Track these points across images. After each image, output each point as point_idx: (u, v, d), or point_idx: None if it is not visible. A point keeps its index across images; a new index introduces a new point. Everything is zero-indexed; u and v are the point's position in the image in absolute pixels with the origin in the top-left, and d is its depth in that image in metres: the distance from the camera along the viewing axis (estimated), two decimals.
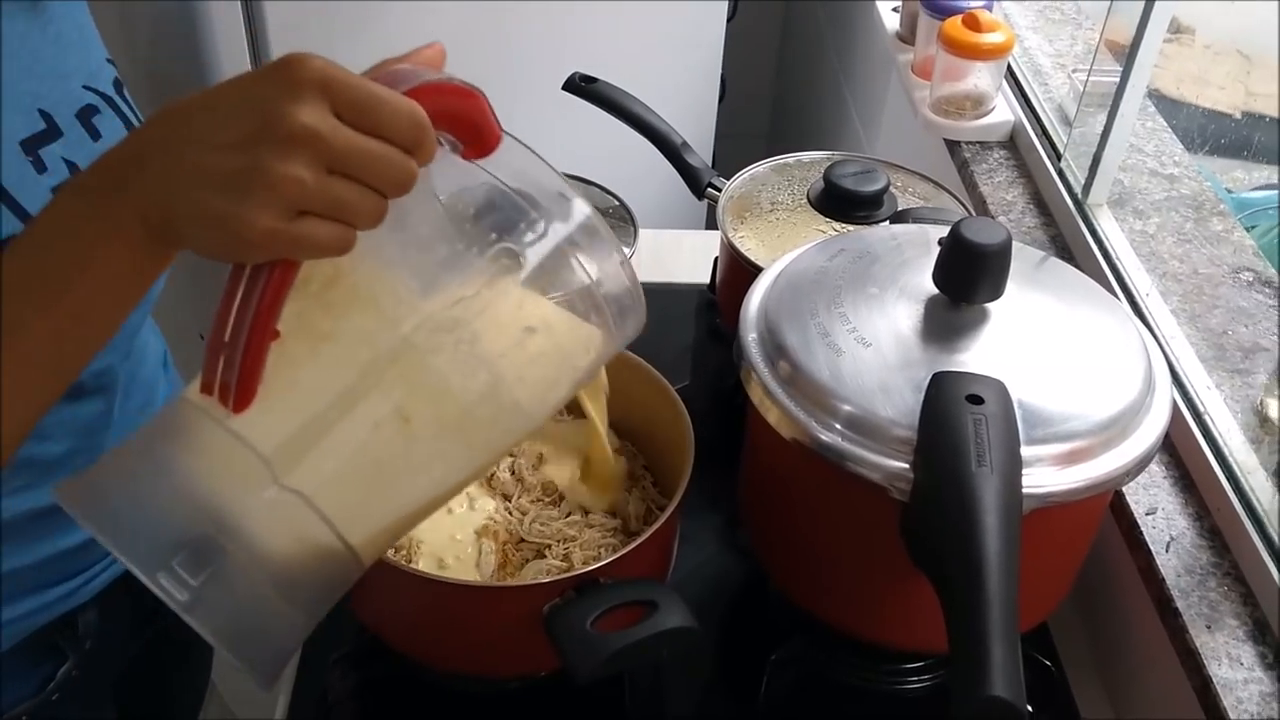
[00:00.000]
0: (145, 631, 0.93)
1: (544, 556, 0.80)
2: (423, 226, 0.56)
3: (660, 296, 1.22)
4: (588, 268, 0.57)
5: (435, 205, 0.56)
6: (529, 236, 0.55)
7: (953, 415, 0.66)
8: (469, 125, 0.53)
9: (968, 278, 0.73)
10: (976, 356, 0.72)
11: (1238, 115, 1.44)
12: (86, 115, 0.73)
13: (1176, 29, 1.46)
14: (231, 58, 1.24)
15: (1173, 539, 0.81)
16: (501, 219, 0.55)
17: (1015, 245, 0.73)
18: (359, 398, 0.53)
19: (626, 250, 1.04)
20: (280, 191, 0.48)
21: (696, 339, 1.22)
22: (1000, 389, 0.68)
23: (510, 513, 0.82)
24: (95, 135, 0.73)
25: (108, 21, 1.36)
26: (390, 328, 0.53)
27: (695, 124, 1.68)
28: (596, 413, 0.80)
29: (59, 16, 0.72)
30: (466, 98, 0.53)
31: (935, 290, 0.75)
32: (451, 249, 0.55)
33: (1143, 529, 0.82)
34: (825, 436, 0.70)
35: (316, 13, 1.28)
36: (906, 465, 0.68)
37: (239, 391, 0.50)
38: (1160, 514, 0.83)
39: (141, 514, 0.51)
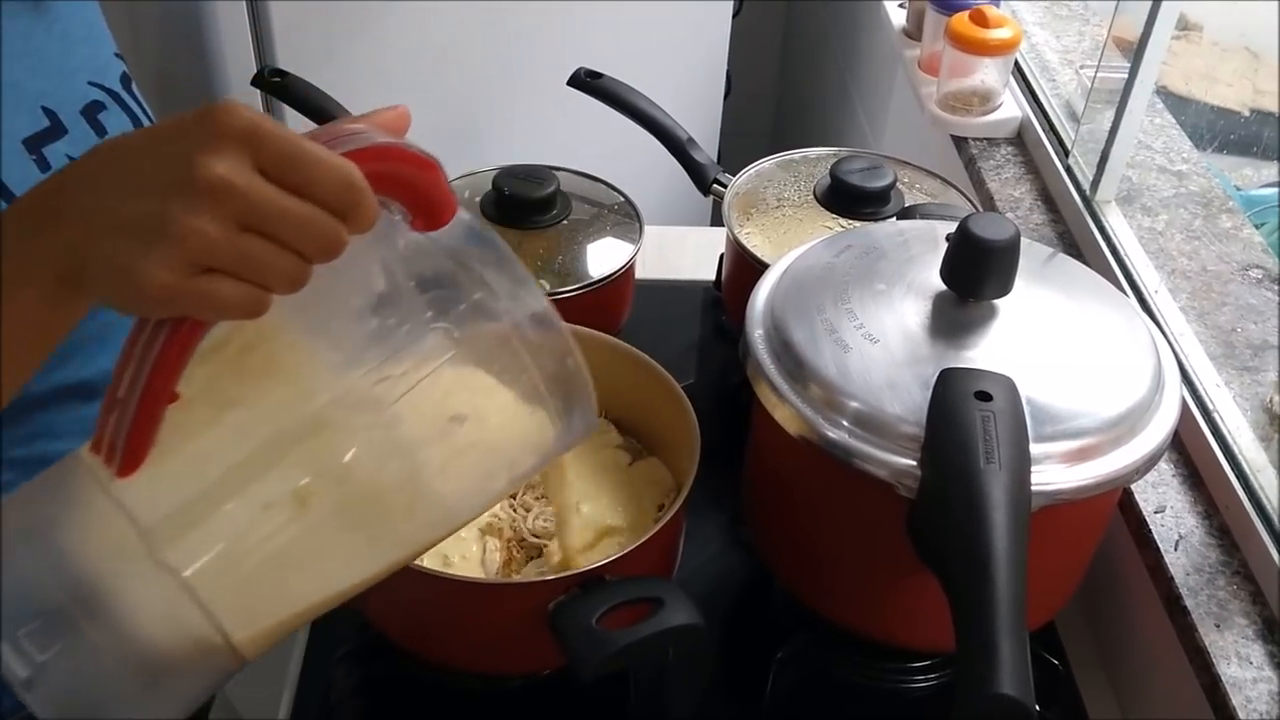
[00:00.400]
0: None
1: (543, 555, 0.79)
2: (355, 296, 0.52)
3: (665, 294, 1.21)
4: (535, 360, 0.52)
5: (373, 275, 0.52)
6: (472, 319, 0.51)
7: (961, 412, 0.66)
8: (419, 195, 0.49)
9: (976, 274, 0.73)
10: (985, 353, 0.71)
11: (1246, 113, 1.43)
12: (92, 112, 0.73)
13: (1184, 26, 1.45)
14: (236, 58, 1.24)
15: (1181, 537, 0.81)
16: (444, 297, 0.51)
17: (1023, 241, 0.73)
18: (255, 475, 0.48)
19: (631, 248, 1.04)
20: (183, 245, 0.45)
21: (701, 336, 1.21)
22: (1009, 386, 0.68)
23: (515, 509, 0.82)
24: (101, 132, 0.73)
25: (117, 22, 1.37)
26: (302, 401, 0.49)
27: (700, 121, 1.68)
28: (555, 500, 0.75)
29: (66, 14, 0.72)
30: (417, 165, 0.49)
31: (943, 286, 0.75)
32: (382, 323, 0.51)
33: (1151, 527, 0.81)
34: (832, 433, 0.70)
35: (320, 12, 1.28)
36: (914, 462, 0.67)
37: (125, 454, 0.46)
38: (1169, 512, 0.83)
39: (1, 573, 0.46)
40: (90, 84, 0.73)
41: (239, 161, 0.45)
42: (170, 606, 0.46)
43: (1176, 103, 1.30)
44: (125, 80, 0.77)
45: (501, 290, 0.51)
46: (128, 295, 0.46)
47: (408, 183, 0.49)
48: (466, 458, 0.53)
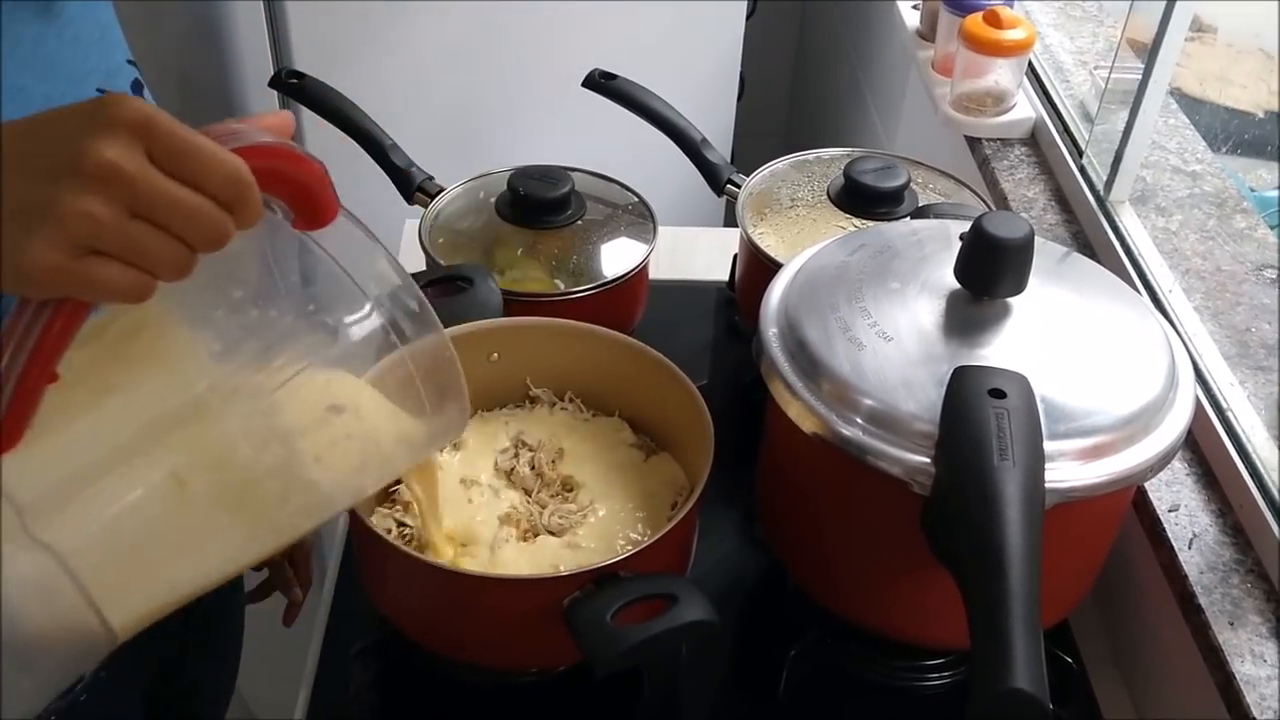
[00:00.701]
0: (175, 632, 0.93)
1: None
2: (238, 289, 0.53)
3: (677, 294, 1.22)
4: (412, 355, 0.54)
5: (256, 269, 0.53)
6: (350, 315, 0.53)
7: (975, 409, 0.66)
8: (303, 194, 0.51)
9: (990, 272, 0.73)
10: (998, 351, 0.72)
11: (1260, 114, 1.43)
12: None
13: (1198, 27, 1.45)
14: (254, 60, 1.25)
15: (1195, 536, 0.81)
16: (324, 293, 0.53)
17: (1037, 240, 0.73)
18: (134, 456, 0.49)
19: (645, 248, 1.05)
20: (69, 226, 0.45)
21: (714, 336, 1.22)
22: (1023, 383, 0.68)
23: (530, 504, 0.82)
24: None
25: (135, 24, 1.38)
26: (181, 388, 0.50)
27: (714, 122, 1.68)
28: (425, 495, 0.75)
29: (78, 17, 0.72)
30: (301, 164, 0.51)
31: (957, 285, 0.75)
32: (264, 314, 0.53)
33: (1165, 526, 0.81)
34: (846, 431, 0.70)
35: (337, 13, 1.29)
36: (928, 460, 0.68)
37: (3, 431, 0.46)
38: (1183, 511, 0.83)
39: None
40: (100, 90, 0.73)
41: (130, 149, 0.46)
42: (46, 584, 0.46)
43: (1190, 104, 1.30)
44: (136, 87, 0.77)
45: (378, 287, 0.53)
46: (11, 276, 0.46)
47: (293, 181, 0.51)
48: (342, 448, 0.55)
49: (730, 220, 1.59)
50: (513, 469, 0.85)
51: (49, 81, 0.69)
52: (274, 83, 1.14)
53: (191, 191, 0.47)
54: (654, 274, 1.08)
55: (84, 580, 0.47)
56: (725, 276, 1.21)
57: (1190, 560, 0.79)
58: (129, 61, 0.78)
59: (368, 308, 0.53)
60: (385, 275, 0.54)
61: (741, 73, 1.75)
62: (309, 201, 0.51)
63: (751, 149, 1.64)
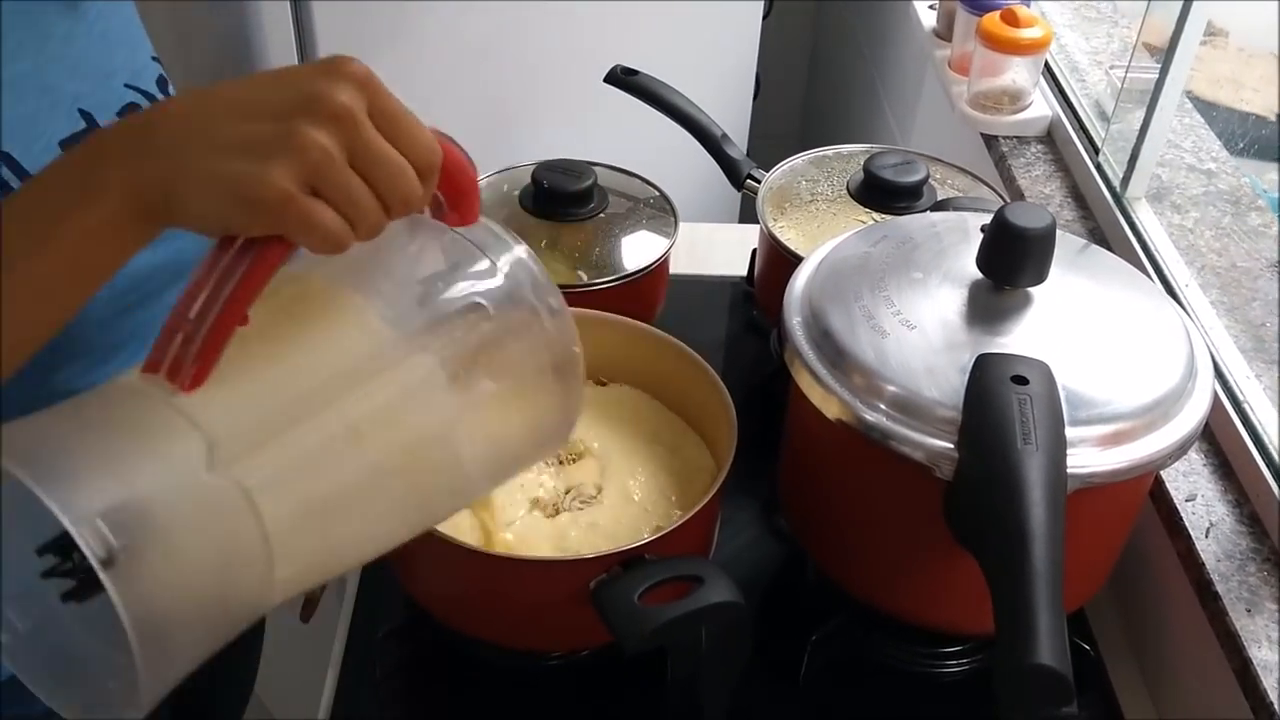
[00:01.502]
0: None
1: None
2: (402, 265, 0.56)
3: (696, 288, 1.23)
4: (547, 344, 0.57)
5: (413, 248, 0.56)
6: (503, 299, 0.56)
7: (998, 395, 0.67)
8: (461, 191, 0.55)
9: (1012, 261, 0.74)
10: (1020, 339, 0.73)
11: (1272, 118, 1.44)
12: (128, 114, 0.74)
13: (1211, 31, 1.46)
14: (280, 60, 1.27)
15: (1212, 525, 0.82)
16: (479, 277, 0.56)
17: (1057, 232, 0.74)
18: (315, 406, 0.50)
19: (666, 241, 1.06)
20: (305, 156, 0.48)
21: (732, 330, 1.23)
22: (1044, 370, 0.69)
23: (558, 484, 0.84)
24: None
25: (162, 24, 1.39)
26: (357, 347, 0.52)
27: (729, 123, 1.68)
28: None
29: (106, 14, 0.73)
30: (464, 164, 0.54)
31: (978, 275, 0.76)
32: (427, 290, 0.55)
33: (1182, 515, 0.82)
34: (870, 417, 0.71)
35: (362, 12, 1.30)
36: (951, 445, 0.69)
37: (196, 368, 0.47)
38: (1200, 500, 0.84)
39: (78, 459, 0.46)
40: (127, 86, 0.74)
41: (359, 99, 0.49)
42: (228, 518, 0.47)
43: (1203, 108, 1.31)
44: (162, 83, 0.78)
45: (525, 280, 0.56)
46: (234, 205, 0.48)
47: (457, 177, 0.54)
48: (491, 429, 0.57)
49: (745, 216, 1.60)
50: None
51: (78, 79, 0.70)
52: None
53: (398, 153, 0.50)
54: (673, 268, 1.10)
55: (264, 520, 0.48)
56: (743, 271, 1.22)
57: (1207, 549, 0.80)
58: (153, 58, 0.79)
59: (517, 295, 0.56)
60: (525, 269, 0.57)
61: (757, 73, 1.76)
62: (464, 198, 0.55)
63: (766, 149, 1.66)
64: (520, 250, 0.57)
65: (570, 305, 0.91)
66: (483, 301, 0.55)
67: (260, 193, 0.47)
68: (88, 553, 0.43)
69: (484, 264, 0.56)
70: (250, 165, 0.48)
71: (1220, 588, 0.78)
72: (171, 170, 0.49)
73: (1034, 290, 0.76)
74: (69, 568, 0.49)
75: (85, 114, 0.70)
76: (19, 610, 0.50)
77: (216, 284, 0.48)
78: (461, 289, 0.55)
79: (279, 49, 1.28)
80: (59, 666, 0.50)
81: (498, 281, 0.56)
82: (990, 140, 1.26)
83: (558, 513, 0.82)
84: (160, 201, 0.49)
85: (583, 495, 0.83)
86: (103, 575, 0.43)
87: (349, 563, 0.56)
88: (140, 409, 0.48)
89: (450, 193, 0.55)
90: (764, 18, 1.73)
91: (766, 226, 1.04)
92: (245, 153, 0.48)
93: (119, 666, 0.47)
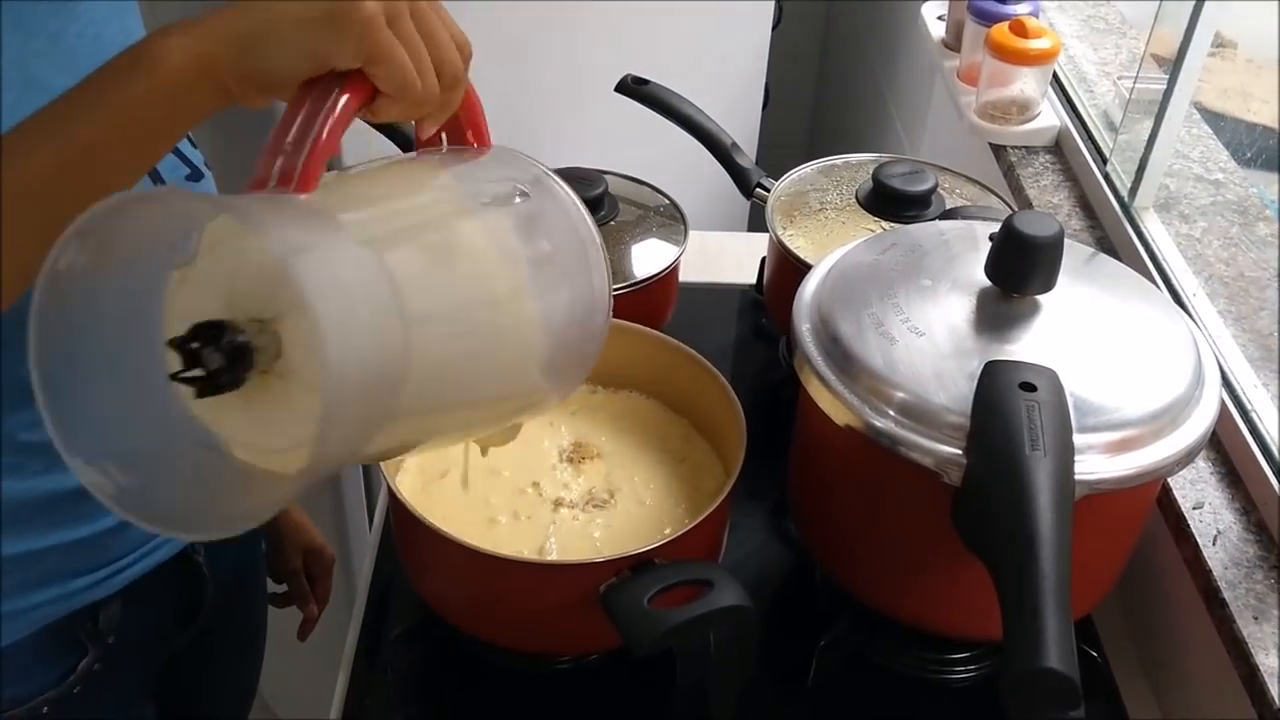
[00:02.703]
0: (186, 630, 0.94)
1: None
2: (451, 161, 0.64)
3: (705, 295, 1.24)
4: (577, 220, 0.65)
5: (450, 155, 0.64)
6: (533, 185, 0.64)
7: (1006, 402, 0.68)
8: (479, 117, 0.64)
9: (1020, 269, 0.75)
10: (1028, 346, 0.73)
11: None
12: None
13: (1219, 43, 1.46)
14: None
15: (1220, 532, 0.82)
16: (505, 174, 0.64)
17: (1065, 241, 0.75)
18: (418, 222, 0.57)
19: (676, 249, 1.06)
20: (361, 23, 0.53)
21: (740, 338, 1.23)
22: (1052, 377, 0.70)
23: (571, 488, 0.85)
24: None
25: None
26: (446, 191, 0.60)
27: (738, 132, 1.69)
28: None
29: (101, 19, 0.73)
30: (478, 99, 0.63)
31: (987, 282, 0.77)
32: (476, 174, 0.63)
33: (1190, 522, 0.83)
34: (879, 423, 0.72)
35: None
36: (959, 451, 0.69)
37: (304, 173, 0.52)
38: (1207, 508, 0.84)
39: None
40: None
41: None
42: (376, 289, 0.51)
43: (1211, 119, 1.31)
44: None
45: (547, 177, 0.65)
46: (328, 28, 0.53)
47: (473, 105, 0.63)
48: (547, 290, 0.63)
49: (754, 225, 1.61)
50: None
51: (67, 74, 0.69)
52: None
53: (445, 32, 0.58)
54: (682, 276, 1.10)
55: (400, 290, 0.52)
56: (752, 279, 1.23)
57: (1214, 556, 0.81)
58: None
59: (540, 182, 0.64)
60: (544, 171, 0.65)
61: (766, 82, 1.77)
62: (481, 125, 0.64)
63: (775, 158, 1.66)
64: (540, 165, 0.65)
65: None
66: (524, 188, 0.63)
67: (353, 13, 0.53)
68: (301, 283, 0.45)
69: (515, 167, 0.64)
70: (317, 31, 0.53)
71: (1227, 595, 0.78)
72: (256, 22, 0.54)
73: (1042, 298, 0.76)
74: (201, 365, 0.51)
75: None
76: (123, 468, 0.52)
77: (308, 114, 0.53)
78: (504, 177, 0.63)
79: None
80: (164, 517, 0.53)
81: (532, 179, 0.64)
82: (998, 150, 1.26)
83: (575, 518, 0.83)
84: (234, 58, 0.54)
85: (595, 499, 0.84)
86: (312, 302, 0.45)
87: (448, 404, 0.61)
88: (274, 200, 0.51)
89: (469, 117, 0.63)
90: (774, 27, 1.73)
91: (776, 235, 1.05)
92: (310, 21, 0.53)
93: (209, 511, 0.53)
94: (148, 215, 0.51)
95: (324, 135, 0.53)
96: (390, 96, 0.56)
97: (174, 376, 0.50)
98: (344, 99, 0.54)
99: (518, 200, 0.62)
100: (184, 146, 0.80)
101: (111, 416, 0.54)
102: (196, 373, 0.50)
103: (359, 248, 0.52)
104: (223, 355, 0.50)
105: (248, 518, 0.51)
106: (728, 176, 1.15)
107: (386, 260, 0.52)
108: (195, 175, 0.80)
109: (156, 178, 0.77)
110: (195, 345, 0.50)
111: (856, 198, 1.07)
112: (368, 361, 0.50)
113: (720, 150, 1.15)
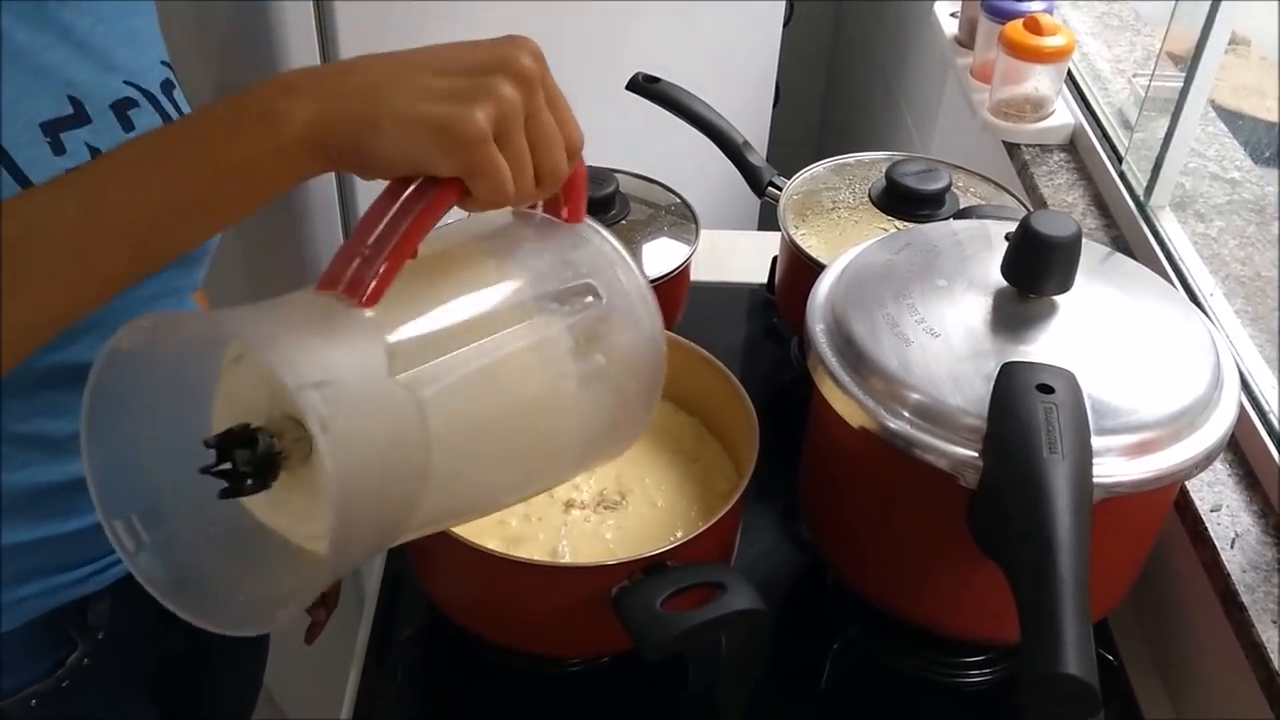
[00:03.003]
0: (174, 631, 0.92)
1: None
2: (528, 245, 0.62)
3: (716, 295, 1.23)
4: (647, 332, 0.63)
5: (533, 234, 0.63)
6: (606, 286, 0.61)
7: (1023, 403, 0.67)
8: (578, 191, 0.62)
9: (1037, 269, 0.74)
10: (1045, 348, 0.73)
11: None
12: (123, 108, 0.73)
13: (1234, 40, 1.45)
14: (302, 60, 1.27)
15: (1238, 535, 0.81)
16: (582, 264, 0.62)
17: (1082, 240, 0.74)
18: (469, 339, 0.56)
19: (688, 249, 1.06)
20: (502, 106, 0.54)
21: (751, 337, 1.23)
22: (1070, 379, 0.69)
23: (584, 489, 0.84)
24: (129, 126, 0.73)
25: (183, 23, 1.40)
26: (503, 297, 0.58)
27: (749, 130, 1.69)
28: None
29: (112, 16, 0.73)
30: (584, 170, 0.61)
31: (1003, 283, 0.76)
32: (550, 267, 0.61)
33: (1208, 525, 0.82)
34: (893, 424, 0.71)
35: (384, 13, 1.31)
36: (975, 453, 0.69)
37: (375, 286, 0.52)
38: (1225, 511, 0.83)
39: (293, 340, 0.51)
40: (126, 82, 0.74)
41: (537, 70, 0.56)
42: (403, 420, 0.51)
43: (1226, 117, 1.30)
44: (167, 86, 0.78)
45: (629, 279, 0.62)
46: (435, 141, 0.53)
47: (576, 178, 0.61)
48: (592, 399, 0.62)
49: (764, 224, 1.60)
50: None
51: (74, 67, 0.70)
52: None
53: (556, 128, 0.57)
54: (693, 275, 1.10)
55: (429, 430, 0.52)
56: (763, 279, 1.22)
57: (1232, 559, 0.80)
58: (163, 63, 0.78)
59: (615, 285, 0.62)
60: (628, 269, 0.62)
61: (776, 81, 1.76)
62: (578, 199, 0.62)
63: (785, 157, 1.66)
64: (623, 252, 0.62)
65: None
66: (595, 284, 0.61)
67: (463, 130, 0.53)
68: (311, 415, 0.46)
69: (595, 256, 0.62)
70: (454, 108, 0.53)
71: (1246, 598, 0.77)
72: (371, 110, 0.54)
73: (1059, 298, 0.75)
74: (228, 468, 0.52)
75: (74, 100, 0.70)
76: (147, 523, 0.54)
77: (395, 218, 0.53)
78: (578, 272, 0.61)
79: (300, 52, 1.28)
80: (183, 584, 0.54)
81: (607, 273, 0.61)
82: (1012, 148, 1.25)
83: (585, 514, 0.82)
84: (346, 139, 0.54)
85: (607, 501, 0.83)
86: (320, 439, 0.46)
87: (469, 505, 0.61)
88: (329, 315, 0.52)
89: (570, 193, 0.61)
90: (784, 25, 1.73)
91: (788, 234, 1.04)
92: (448, 98, 0.54)
93: (241, 585, 0.54)
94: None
95: (405, 243, 0.53)
96: (482, 201, 0.56)
97: (204, 470, 0.51)
98: (434, 202, 0.54)
99: (589, 300, 0.60)
100: None
101: (150, 471, 0.55)
102: (225, 466, 0.51)
103: (389, 382, 0.52)
104: (252, 462, 0.51)
105: (287, 599, 0.52)
106: (738, 175, 1.15)
107: (421, 395, 0.52)
108: None
109: None
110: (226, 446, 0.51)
111: (869, 196, 1.06)
112: (382, 487, 0.51)
113: (732, 148, 1.15)
